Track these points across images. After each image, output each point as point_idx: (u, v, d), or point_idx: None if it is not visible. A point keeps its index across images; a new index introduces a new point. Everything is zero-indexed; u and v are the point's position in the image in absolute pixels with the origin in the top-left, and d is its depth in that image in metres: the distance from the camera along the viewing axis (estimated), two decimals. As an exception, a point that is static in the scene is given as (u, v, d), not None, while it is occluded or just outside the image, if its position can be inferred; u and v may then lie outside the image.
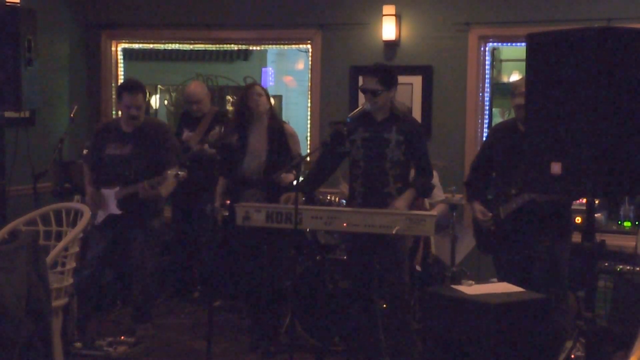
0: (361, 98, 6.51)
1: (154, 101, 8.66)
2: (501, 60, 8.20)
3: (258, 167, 5.19)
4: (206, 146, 5.86)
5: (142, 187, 5.08)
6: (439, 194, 5.37)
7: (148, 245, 5.30)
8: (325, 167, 4.91)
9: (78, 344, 4.99)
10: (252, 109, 5.20)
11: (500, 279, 4.68)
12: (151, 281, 5.36)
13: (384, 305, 4.88)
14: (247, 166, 5.20)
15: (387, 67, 4.91)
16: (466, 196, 4.96)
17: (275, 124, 5.28)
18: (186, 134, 6.22)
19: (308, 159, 5.72)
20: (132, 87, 5.26)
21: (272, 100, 5.56)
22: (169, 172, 5.02)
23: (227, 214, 5.38)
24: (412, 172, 4.80)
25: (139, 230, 5.26)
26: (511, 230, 4.65)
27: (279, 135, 5.22)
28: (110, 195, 5.21)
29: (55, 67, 7.04)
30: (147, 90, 5.50)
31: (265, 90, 5.32)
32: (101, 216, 5.21)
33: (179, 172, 5.01)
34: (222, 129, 5.78)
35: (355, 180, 4.72)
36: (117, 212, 5.18)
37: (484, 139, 6.40)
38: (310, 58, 6.86)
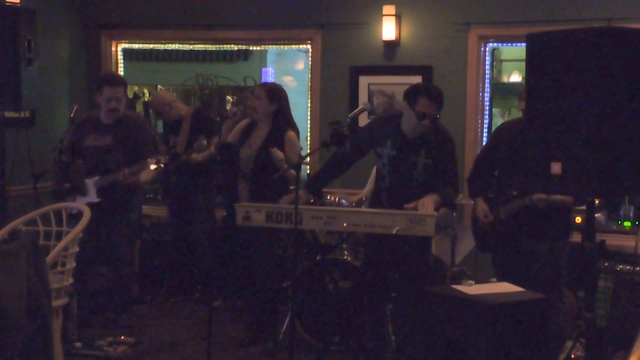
0: (362, 97, 6.57)
1: (154, 101, 8.64)
2: (501, 60, 8.21)
3: (248, 157, 5.17)
4: (193, 155, 5.87)
5: (123, 174, 5.19)
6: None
7: (125, 238, 5.51)
8: (341, 163, 4.84)
9: (78, 344, 5.00)
10: (250, 112, 5.22)
11: (499, 278, 4.68)
12: (127, 271, 5.59)
13: (389, 306, 4.89)
14: (240, 157, 5.22)
15: (440, 91, 4.59)
16: (468, 192, 4.95)
17: (277, 129, 5.15)
18: (172, 139, 6.23)
19: (308, 159, 5.73)
20: (114, 81, 5.44)
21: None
22: (149, 159, 5.14)
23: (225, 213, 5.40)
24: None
25: (117, 223, 5.43)
26: (511, 231, 4.65)
27: (278, 138, 5.13)
28: (90, 184, 5.32)
29: (55, 67, 7.04)
30: (127, 84, 5.66)
31: (268, 91, 5.17)
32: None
33: (160, 158, 5.14)
34: (206, 138, 5.80)
35: (379, 190, 4.72)
36: (96, 200, 5.27)
37: (486, 137, 6.43)
38: (310, 58, 6.86)
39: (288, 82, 9.13)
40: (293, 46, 7.21)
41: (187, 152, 5.89)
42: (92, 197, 5.28)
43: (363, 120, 6.18)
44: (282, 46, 7.42)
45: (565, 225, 4.70)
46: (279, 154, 5.01)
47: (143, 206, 6.71)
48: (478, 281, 4.43)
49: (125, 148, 5.36)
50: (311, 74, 6.86)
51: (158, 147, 5.53)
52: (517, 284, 4.23)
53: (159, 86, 8.54)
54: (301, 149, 5.33)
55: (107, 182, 5.28)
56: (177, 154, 6.00)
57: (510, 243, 4.68)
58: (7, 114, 5.49)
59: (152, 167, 5.15)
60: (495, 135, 4.92)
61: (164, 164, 5.18)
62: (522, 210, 4.56)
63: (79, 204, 4.89)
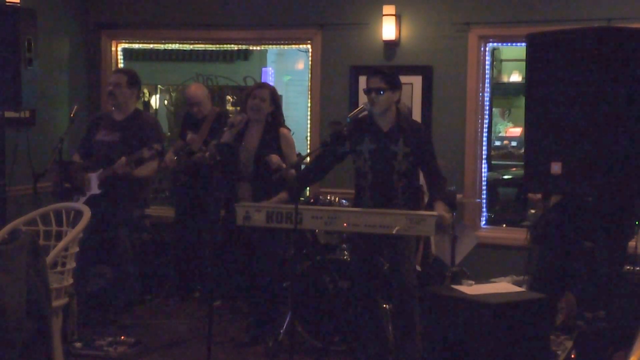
0: (361, 97, 6.55)
1: (154, 101, 8.65)
2: (501, 60, 8.21)
3: (247, 159, 5.24)
4: (207, 154, 5.87)
5: (120, 162, 5.31)
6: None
7: (129, 236, 5.62)
8: (323, 166, 4.91)
9: (78, 344, 5.00)
10: (249, 111, 5.24)
11: (539, 270, 4.68)
12: (131, 269, 5.65)
13: (385, 306, 4.89)
14: (239, 159, 5.26)
15: (391, 68, 4.87)
16: None
17: (273, 125, 5.27)
18: (189, 136, 6.23)
19: (308, 159, 5.72)
20: (117, 70, 5.77)
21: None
22: (144, 148, 5.31)
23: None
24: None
25: (121, 221, 5.54)
26: (554, 224, 4.65)
27: (273, 135, 5.24)
28: (93, 177, 5.44)
29: (55, 67, 7.04)
30: (137, 80, 5.77)
31: (271, 94, 5.30)
32: (82, 200, 5.37)
33: (154, 146, 5.33)
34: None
35: (362, 191, 4.73)
36: (97, 192, 5.41)
37: (486, 136, 6.45)
38: (310, 58, 6.86)
39: (288, 82, 9.13)
40: (293, 46, 7.21)
41: (201, 150, 5.91)
42: (95, 189, 5.39)
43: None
44: (282, 46, 7.41)
45: (628, 227, 4.58)
46: (275, 159, 5.07)
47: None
48: (478, 281, 4.43)
49: (132, 144, 5.45)
50: (311, 73, 6.86)
51: (163, 146, 5.65)
52: (569, 282, 4.21)
53: (158, 86, 8.55)
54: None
55: (108, 174, 5.39)
56: (191, 152, 6.03)
57: (553, 238, 4.67)
58: (7, 114, 5.50)
59: (147, 153, 5.29)
60: None
61: (158, 150, 5.34)
62: (560, 202, 4.55)
63: (79, 204, 4.90)
